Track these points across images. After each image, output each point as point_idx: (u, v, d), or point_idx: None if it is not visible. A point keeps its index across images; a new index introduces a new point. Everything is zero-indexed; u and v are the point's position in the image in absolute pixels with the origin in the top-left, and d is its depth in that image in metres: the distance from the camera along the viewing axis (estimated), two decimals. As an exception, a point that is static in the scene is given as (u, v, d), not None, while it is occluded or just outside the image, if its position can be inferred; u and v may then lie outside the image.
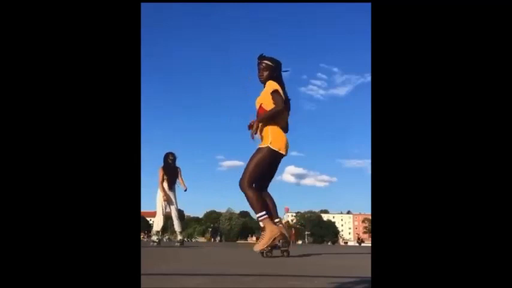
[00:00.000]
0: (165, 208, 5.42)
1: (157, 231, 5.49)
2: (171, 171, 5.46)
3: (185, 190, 5.50)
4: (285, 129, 2.68)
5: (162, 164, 5.50)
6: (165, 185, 5.43)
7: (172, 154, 5.57)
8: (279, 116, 2.58)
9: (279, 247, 2.57)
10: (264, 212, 2.47)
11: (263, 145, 2.55)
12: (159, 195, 5.41)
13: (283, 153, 2.57)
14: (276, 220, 2.58)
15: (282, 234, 2.45)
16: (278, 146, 2.53)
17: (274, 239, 2.42)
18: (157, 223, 5.49)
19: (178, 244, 5.45)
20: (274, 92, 2.56)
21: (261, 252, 2.47)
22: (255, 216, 2.62)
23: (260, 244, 2.43)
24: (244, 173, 2.53)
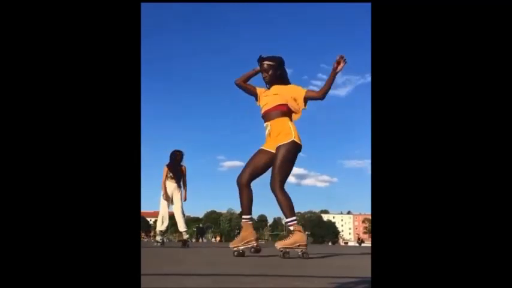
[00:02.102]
0: (169, 208, 5.33)
1: (161, 231, 5.41)
2: (177, 170, 5.39)
3: (184, 200, 5.42)
4: None
5: (167, 162, 5.43)
6: (172, 183, 5.34)
7: (180, 152, 5.49)
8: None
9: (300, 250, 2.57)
10: (295, 217, 2.52)
11: (285, 141, 2.56)
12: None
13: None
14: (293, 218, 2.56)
15: (305, 244, 2.51)
16: (299, 139, 2.59)
17: (299, 245, 2.47)
18: (160, 223, 5.37)
19: (181, 245, 5.36)
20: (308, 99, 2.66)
21: (283, 253, 2.45)
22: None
23: (283, 243, 2.48)
24: (275, 175, 2.51)
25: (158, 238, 5.44)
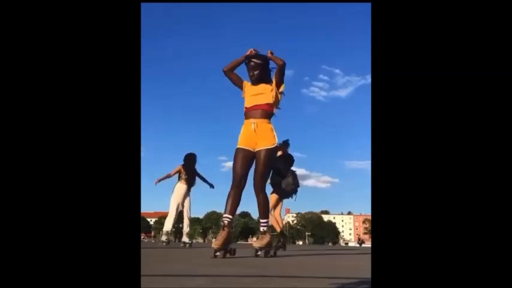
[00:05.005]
0: (178, 209, 5.43)
1: (167, 232, 5.44)
2: (191, 172, 5.51)
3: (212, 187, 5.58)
4: None
5: (182, 163, 5.56)
6: (183, 185, 5.44)
7: (194, 155, 5.62)
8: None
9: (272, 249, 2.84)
10: (268, 219, 2.74)
11: (269, 146, 2.67)
12: (174, 195, 5.41)
13: None
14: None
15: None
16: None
17: (272, 245, 2.76)
18: (168, 223, 5.40)
19: (188, 246, 5.37)
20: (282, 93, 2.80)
21: (264, 252, 2.66)
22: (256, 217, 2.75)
23: (261, 242, 2.68)
24: (259, 178, 2.66)
25: (164, 238, 5.48)
